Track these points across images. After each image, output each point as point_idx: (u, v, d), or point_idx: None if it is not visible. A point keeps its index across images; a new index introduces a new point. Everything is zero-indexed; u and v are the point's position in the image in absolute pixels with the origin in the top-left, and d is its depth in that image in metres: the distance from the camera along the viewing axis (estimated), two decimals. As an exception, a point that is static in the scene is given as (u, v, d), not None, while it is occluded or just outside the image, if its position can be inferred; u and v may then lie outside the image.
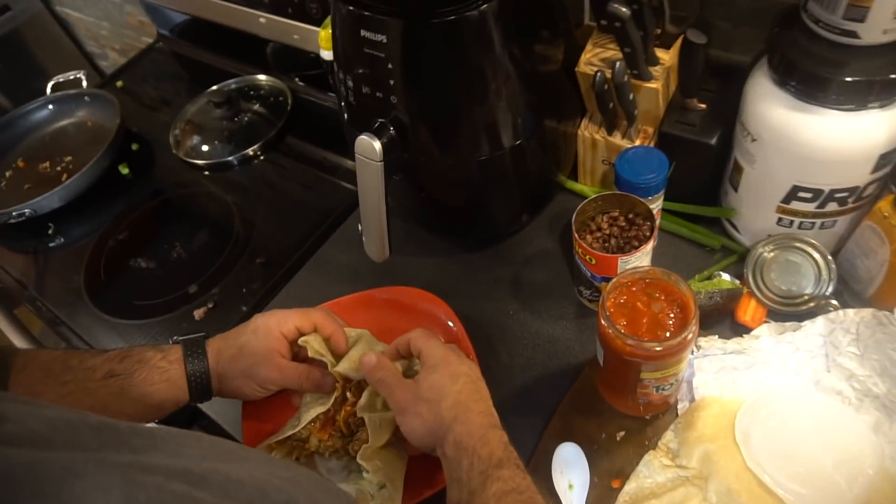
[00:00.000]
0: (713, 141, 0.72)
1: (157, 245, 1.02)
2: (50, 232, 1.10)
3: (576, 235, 0.69)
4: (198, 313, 0.91)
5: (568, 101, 0.80)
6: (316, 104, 1.16)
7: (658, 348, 0.55)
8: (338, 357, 0.70)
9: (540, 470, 0.65)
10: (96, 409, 0.59)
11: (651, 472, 0.63)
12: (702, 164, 0.75)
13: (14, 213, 1.07)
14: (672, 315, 0.58)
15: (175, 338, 0.67)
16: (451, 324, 0.77)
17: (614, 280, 0.60)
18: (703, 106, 0.74)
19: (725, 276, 0.73)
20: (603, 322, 0.58)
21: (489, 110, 0.71)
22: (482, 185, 0.78)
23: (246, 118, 1.19)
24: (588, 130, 0.81)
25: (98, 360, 0.62)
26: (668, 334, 0.57)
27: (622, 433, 0.66)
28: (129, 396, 0.61)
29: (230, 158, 1.12)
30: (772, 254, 0.71)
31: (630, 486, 0.62)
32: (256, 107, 1.20)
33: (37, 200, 1.07)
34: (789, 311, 0.69)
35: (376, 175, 0.72)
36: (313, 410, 0.68)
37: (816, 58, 0.59)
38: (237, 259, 0.97)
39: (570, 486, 0.64)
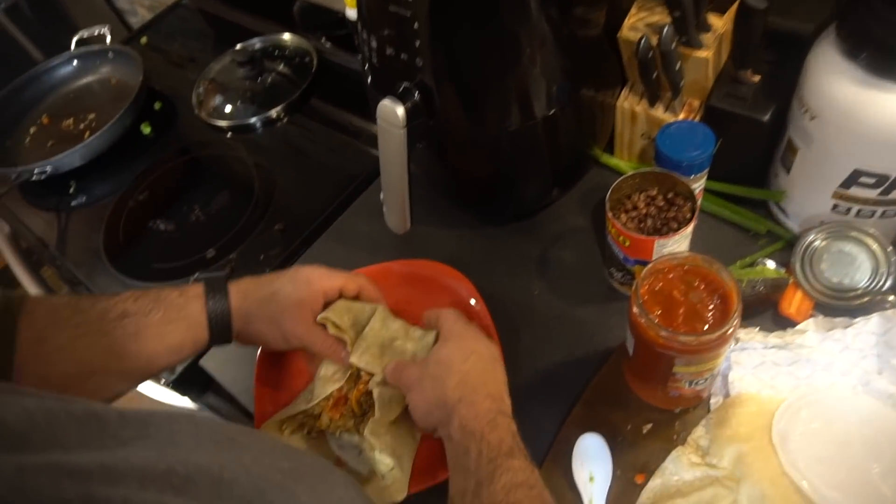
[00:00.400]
0: (766, 117, 0.66)
1: (177, 207, 1.00)
2: (71, 190, 1.09)
3: (609, 214, 0.64)
4: (215, 279, 0.89)
5: (608, 69, 0.75)
6: (341, 66, 1.12)
7: (694, 342, 0.51)
8: (357, 332, 0.68)
9: (560, 460, 0.62)
10: (113, 352, 0.56)
11: (678, 469, 0.59)
12: (751, 143, 0.69)
13: (36, 171, 1.06)
14: (712, 306, 0.53)
15: (196, 275, 0.64)
16: (472, 301, 0.74)
17: (650, 266, 0.55)
18: (758, 78, 0.67)
19: (770, 264, 0.68)
20: (635, 310, 0.54)
21: (522, 77, 0.66)
22: (511, 156, 0.74)
23: (269, 79, 1.15)
24: (628, 102, 0.75)
25: (111, 301, 0.58)
26: (706, 327, 0.52)
27: (649, 426, 0.63)
28: (145, 336, 0.58)
29: (252, 120, 1.09)
30: (824, 242, 0.65)
31: (655, 483, 0.59)
32: (281, 67, 1.17)
33: (58, 158, 1.06)
34: (840, 305, 0.64)
35: (399, 142, 0.68)
36: (328, 387, 0.66)
37: (893, 27, 0.52)
38: (256, 224, 0.94)
39: (591, 479, 0.60)
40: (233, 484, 0.34)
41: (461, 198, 0.85)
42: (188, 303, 0.60)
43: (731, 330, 0.51)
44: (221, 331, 0.62)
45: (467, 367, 0.55)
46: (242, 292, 0.63)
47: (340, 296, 0.67)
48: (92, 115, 1.19)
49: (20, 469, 0.26)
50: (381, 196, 0.74)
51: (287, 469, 0.40)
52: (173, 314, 0.59)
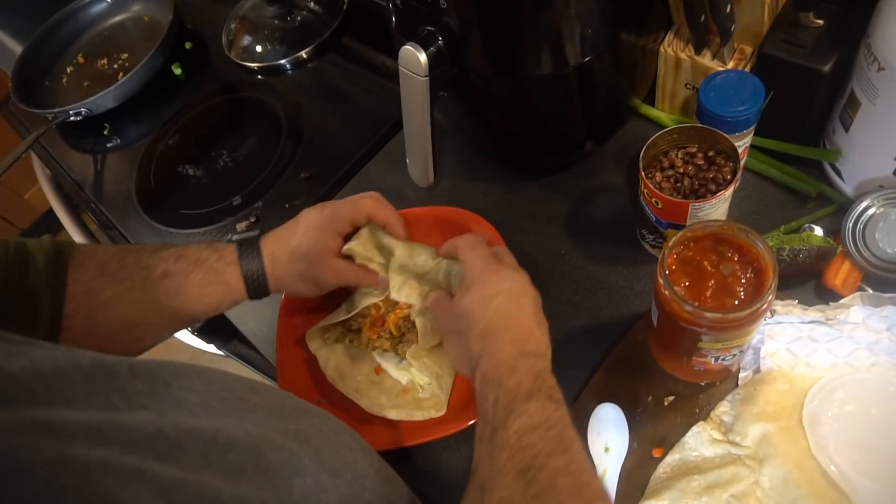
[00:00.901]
0: (827, 67, 0.59)
1: (205, 152, 1.00)
2: (105, 132, 1.10)
3: (642, 173, 0.60)
4: (240, 227, 0.89)
5: (651, 10, 0.68)
6: (373, 3, 1.07)
7: (721, 319, 0.48)
8: (386, 254, 0.68)
9: (576, 428, 0.60)
10: (155, 308, 0.59)
11: (698, 444, 0.57)
12: (808, 96, 0.63)
13: (71, 112, 1.06)
14: (744, 280, 0.49)
15: (230, 236, 0.65)
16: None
17: (679, 234, 0.51)
18: (821, 22, 0.60)
19: (817, 231, 0.63)
20: (660, 280, 0.50)
21: (554, 19, 0.61)
22: (542, 106, 0.69)
23: (299, 18, 1.11)
24: (672, 47, 0.69)
25: (154, 258, 0.60)
26: (736, 302, 0.49)
27: (671, 398, 0.60)
28: (186, 296, 0.60)
29: (282, 61, 1.06)
30: (881, 209, 0.60)
31: (673, 458, 0.57)
32: (311, 5, 1.12)
33: (92, 100, 1.06)
34: (892, 278, 0.59)
35: (421, 91, 0.64)
36: (368, 298, 0.67)
37: None
38: (282, 172, 0.93)
39: (607, 450, 0.59)
40: (228, 447, 0.34)
41: (489, 148, 0.82)
42: (226, 268, 0.62)
43: (763, 307, 0.47)
44: (259, 290, 0.64)
45: (489, 315, 0.52)
46: (270, 257, 0.64)
47: (355, 228, 0.67)
48: (125, 55, 1.18)
49: (4, 427, 0.26)
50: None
51: (292, 431, 0.40)
52: (212, 277, 0.61)
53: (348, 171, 0.89)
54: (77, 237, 1.10)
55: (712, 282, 0.50)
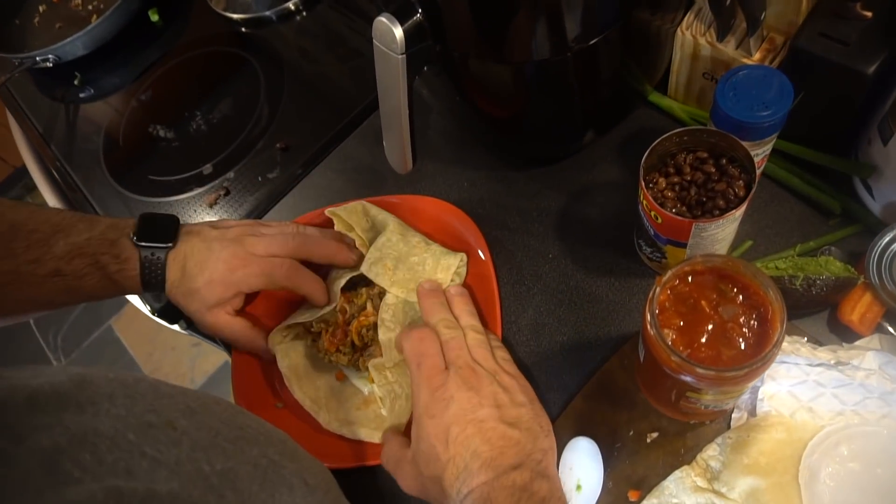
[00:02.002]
0: (871, 69, 0.50)
1: (178, 112, 0.92)
2: (76, 82, 1.02)
3: (642, 183, 0.52)
4: (209, 198, 0.82)
5: (670, -15, 0.59)
6: (368, -50, 0.96)
7: (714, 376, 0.41)
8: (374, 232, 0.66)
9: None
10: (42, 303, 0.57)
11: (679, 490, 0.51)
12: (844, 101, 0.54)
13: (38, 59, 0.98)
14: (746, 329, 0.42)
15: (134, 237, 0.58)
16: (480, 254, 0.65)
17: (675, 268, 0.44)
18: (869, 15, 0.51)
19: (836, 255, 0.55)
20: (648, 318, 0.43)
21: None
22: (536, 92, 0.61)
23: (288, -39, 1.01)
24: (692, 31, 0.59)
25: (42, 250, 0.55)
26: (733, 354, 0.42)
27: (654, 434, 0.54)
28: (76, 296, 0.57)
29: (268, 13, 0.97)
30: (914, 240, 0.52)
31: (650, 503, 0.52)
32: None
33: (60, 45, 0.97)
34: (917, 320, 0.51)
35: (397, 70, 0.56)
36: (339, 281, 0.63)
37: None
38: (257, 140, 0.85)
39: (579, 487, 0.53)
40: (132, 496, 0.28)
41: (478, 132, 0.73)
42: (125, 281, 0.58)
43: (764, 365, 0.41)
44: (160, 310, 0.62)
45: (451, 453, 0.47)
46: (172, 282, 0.59)
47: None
48: (101, -5, 1.09)
49: None
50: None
51: (218, 472, 0.34)
52: (107, 282, 0.57)
53: (326, 143, 0.81)
54: (48, 195, 1.03)
55: (710, 326, 0.43)
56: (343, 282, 0.63)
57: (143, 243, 0.58)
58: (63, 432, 0.28)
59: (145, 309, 0.82)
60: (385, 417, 0.58)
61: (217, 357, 1.81)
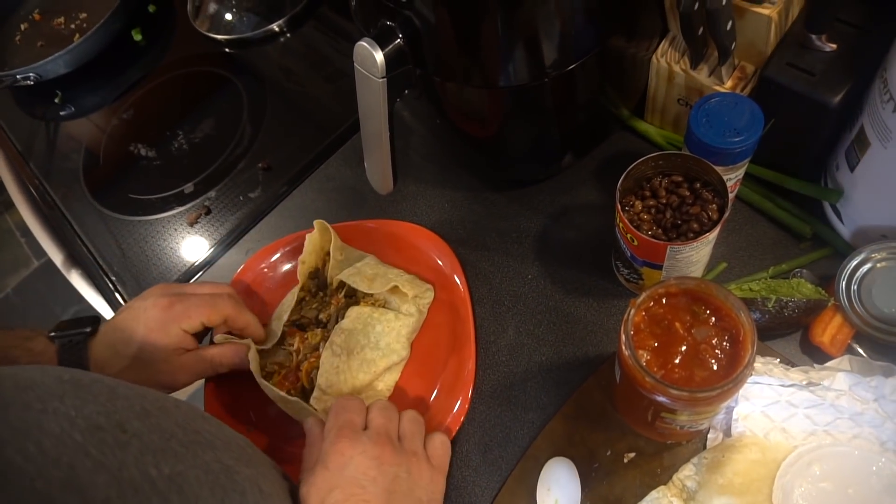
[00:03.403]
0: (835, 101, 0.52)
1: (160, 131, 0.92)
2: (57, 100, 1.02)
3: (618, 206, 0.53)
4: (190, 217, 0.82)
5: (644, 14, 0.60)
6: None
7: (688, 397, 0.42)
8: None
9: (526, 478, 0.55)
10: None
11: (656, 511, 0.51)
12: (811, 128, 0.56)
13: (19, 77, 0.98)
14: (718, 351, 0.43)
15: (51, 333, 0.56)
16: (456, 279, 0.65)
17: (650, 290, 0.45)
18: (834, 46, 0.53)
19: (808, 278, 0.57)
20: (623, 339, 0.44)
21: (530, 21, 0.53)
22: (514, 116, 0.62)
23: (273, -16, 1.02)
24: (666, 58, 0.61)
25: None
26: (706, 375, 0.43)
27: (632, 455, 0.55)
28: None
29: (251, 34, 0.98)
30: (882, 263, 0.53)
31: (627, 523, 0.52)
32: (286, -29, 1.03)
33: (41, 64, 0.97)
34: (887, 340, 0.53)
35: (378, 94, 0.57)
36: (285, 314, 0.64)
37: None
38: (239, 160, 0.86)
39: (556, 507, 0.53)
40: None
41: (458, 153, 0.74)
42: (36, 359, 0.54)
43: (735, 386, 0.41)
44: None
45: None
46: (100, 364, 0.55)
47: (205, 328, 0.61)
48: (84, 15, 1.09)
49: None
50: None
51: (165, 477, 0.34)
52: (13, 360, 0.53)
53: (308, 164, 0.82)
54: (26, 213, 1.02)
55: (683, 347, 0.44)
56: (285, 318, 0.63)
57: (60, 333, 0.56)
58: (6, 427, 0.28)
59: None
60: None
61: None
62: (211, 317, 0.59)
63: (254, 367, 0.59)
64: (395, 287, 0.62)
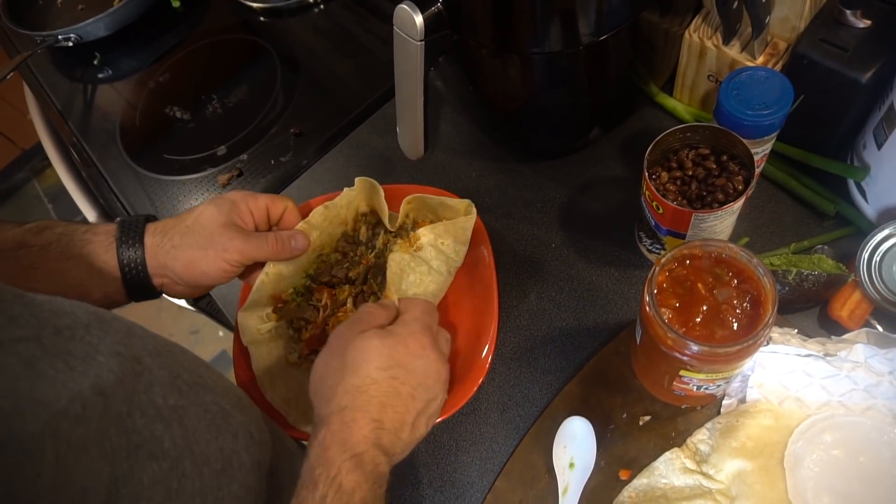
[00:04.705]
0: (866, 77, 0.53)
1: (195, 95, 0.94)
2: (96, 62, 1.04)
3: (646, 174, 0.54)
4: (222, 178, 0.84)
5: (680, -11, 0.61)
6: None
7: (708, 353, 0.43)
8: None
9: (542, 437, 0.57)
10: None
11: (669, 471, 0.53)
12: (841, 105, 0.56)
13: (60, 37, 1.00)
14: (739, 311, 0.44)
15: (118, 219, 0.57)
16: (482, 246, 0.67)
17: (674, 251, 0.46)
18: (868, 23, 0.53)
19: (829, 254, 0.58)
20: (646, 298, 0.45)
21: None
22: (545, 86, 0.63)
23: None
24: (699, 33, 0.62)
25: (14, 230, 0.51)
26: (727, 334, 0.44)
27: (647, 418, 0.56)
28: (40, 272, 0.50)
29: (286, 3, 1.00)
30: (903, 240, 0.54)
31: (640, 482, 0.53)
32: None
33: (82, 25, 1.00)
34: (904, 317, 0.54)
35: (415, 57, 0.59)
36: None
37: None
38: (272, 125, 0.88)
39: (571, 465, 0.55)
40: (77, 421, 0.30)
41: (488, 124, 0.76)
42: (94, 238, 0.53)
43: (755, 343, 0.43)
44: (137, 284, 0.54)
45: (377, 379, 0.45)
46: (160, 230, 0.55)
47: (268, 215, 0.60)
48: (124, -20, 1.11)
49: None
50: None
51: (169, 407, 0.37)
52: (74, 250, 0.52)
53: (340, 130, 0.83)
54: (63, 174, 1.05)
55: (704, 307, 0.45)
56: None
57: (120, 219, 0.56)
58: (39, 347, 0.30)
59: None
60: None
61: (214, 346, 1.83)
62: (274, 203, 0.58)
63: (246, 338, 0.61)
64: (442, 230, 0.63)
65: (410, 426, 0.46)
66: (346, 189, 0.65)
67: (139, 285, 0.54)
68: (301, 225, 0.61)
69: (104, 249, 0.53)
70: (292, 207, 0.61)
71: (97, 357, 0.33)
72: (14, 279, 0.48)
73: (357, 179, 0.65)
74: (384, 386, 0.45)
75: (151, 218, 0.57)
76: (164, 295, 0.58)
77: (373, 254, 0.66)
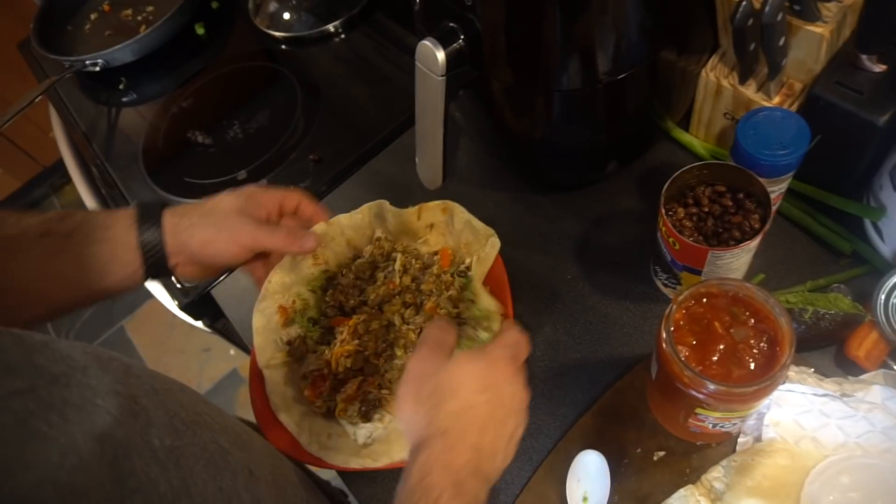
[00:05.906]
0: (882, 120, 0.53)
1: (217, 120, 0.96)
2: (121, 87, 1.07)
3: (662, 210, 0.55)
4: (242, 204, 0.86)
5: (696, 29, 0.63)
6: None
7: (724, 392, 0.43)
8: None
9: (555, 470, 0.57)
10: (28, 273, 0.52)
11: (683, 509, 0.53)
12: (857, 147, 0.57)
13: (88, 62, 1.04)
14: (756, 351, 0.45)
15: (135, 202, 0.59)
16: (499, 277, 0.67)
17: (692, 289, 0.46)
18: (884, 67, 0.54)
19: (845, 293, 0.58)
20: (663, 334, 0.46)
21: (589, 30, 0.55)
22: (563, 121, 0.64)
23: (331, -14, 1.06)
24: (715, 72, 0.63)
25: (37, 219, 0.53)
26: (743, 374, 0.44)
27: (661, 453, 0.56)
28: (65, 257, 0.52)
29: (308, 33, 1.02)
30: (920, 281, 0.54)
31: (654, 519, 0.53)
32: (345, -25, 1.07)
33: (110, 51, 1.03)
34: (921, 358, 0.53)
35: (436, 91, 0.60)
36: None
37: None
38: (291, 151, 0.89)
39: (585, 499, 0.55)
40: (75, 470, 0.30)
41: (504, 156, 0.77)
42: (115, 223, 0.55)
43: (772, 384, 0.43)
44: (155, 265, 0.56)
45: (476, 401, 0.45)
46: (180, 213, 0.58)
47: (281, 211, 0.63)
48: (151, 8, 1.15)
49: None
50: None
51: (167, 448, 0.36)
52: (97, 234, 0.54)
53: (358, 159, 0.85)
54: (83, 192, 1.07)
55: (721, 346, 0.46)
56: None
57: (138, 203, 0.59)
58: (34, 399, 0.30)
59: (171, 305, 0.85)
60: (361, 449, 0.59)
61: (225, 364, 1.83)
62: (287, 196, 0.62)
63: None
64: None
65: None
66: (352, 212, 0.69)
67: (156, 265, 0.56)
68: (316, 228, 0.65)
69: (124, 232, 0.55)
70: (306, 200, 0.64)
71: (95, 400, 0.33)
72: (40, 270, 0.51)
73: (377, 202, 0.69)
74: (482, 410, 0.45)
75: (165, 205, 0.59)
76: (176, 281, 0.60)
77: (398, 277, 0.67)
